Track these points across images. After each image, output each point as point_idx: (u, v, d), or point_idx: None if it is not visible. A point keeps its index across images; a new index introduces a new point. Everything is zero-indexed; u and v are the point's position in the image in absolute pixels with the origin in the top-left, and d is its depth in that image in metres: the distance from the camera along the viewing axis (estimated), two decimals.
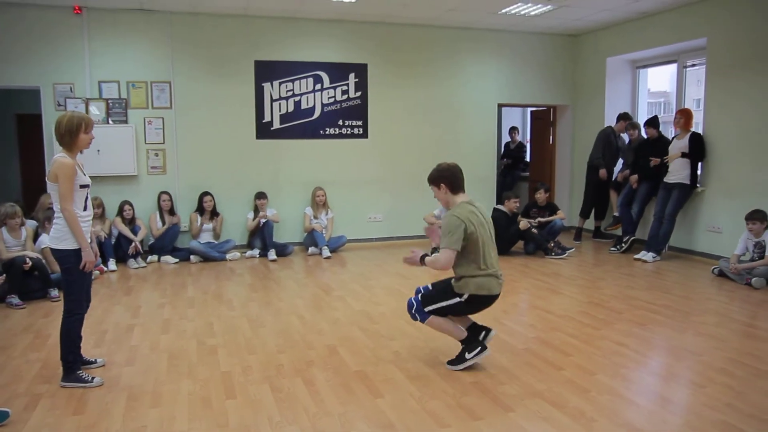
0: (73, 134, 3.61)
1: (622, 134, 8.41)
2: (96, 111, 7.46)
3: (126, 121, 7.63)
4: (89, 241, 3.67)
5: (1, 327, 4.91)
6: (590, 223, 8.92)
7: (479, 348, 3.81)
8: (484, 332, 3.88)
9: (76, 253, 3.61)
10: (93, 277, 6.24)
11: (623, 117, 8.25)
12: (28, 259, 5.63)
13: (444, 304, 3.75)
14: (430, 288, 3.94)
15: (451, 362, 3.87)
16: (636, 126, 8.09)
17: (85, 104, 7.46)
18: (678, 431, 2.98)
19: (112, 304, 5.55)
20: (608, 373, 3.76)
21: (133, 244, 7.20)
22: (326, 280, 6.59)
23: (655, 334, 4.54)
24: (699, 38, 7.23)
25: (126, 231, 7.26)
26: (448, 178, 3.78)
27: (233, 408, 3.32)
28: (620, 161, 8.50)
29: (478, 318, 4.00)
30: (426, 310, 3.77)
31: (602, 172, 8.35)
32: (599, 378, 3.67)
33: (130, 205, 7.39)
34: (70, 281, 3.69)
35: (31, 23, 7.24)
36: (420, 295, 3.86)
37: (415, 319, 3.83)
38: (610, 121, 8.69)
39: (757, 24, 6.50)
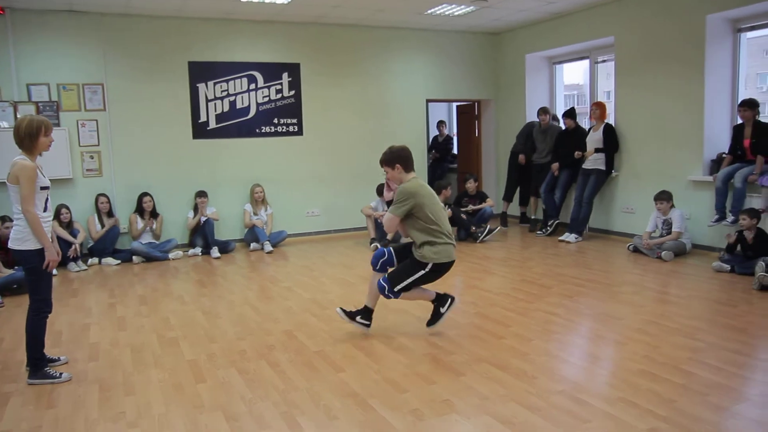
0: (33, 137, 3.69)
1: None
2: (5, 124, 7.30)
3: (58, 124, 7.54)
4: (51, 240, 3.77)
5: None
6: (516, 209, 9.51)
7: (450, 300, 4.32)
8: (450, 300, 4.37)
9: (39, 253, 3.70)
10: None
11: (542, 111, 8.86)
12: None
13: (411, 279, 4.16)
14: (394, 256, 4.33)
15: (430, 322, 4.32)
16: (547, 111, 8.68)
17: (14, 108, 7.33)
18: (606, 381, 3.45)
19: (61, 306, 5.55)
20: (543, 338, 4.21)
21: (74, 246, 7.15)
22: (272, 273, 6.80)
23: (582, 304, 5.06)
24: (608, 36, 7.89)
25: (65, 234, 7.18)
26: (403, 158, 4.23)
27: (205, 390, 3.54)
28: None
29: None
30: (396, 289, 4.14)
31: (521, 157, 9.02)
32: (536, 343, 4.11)
33: (67, 208, 7.32)
34: (35, 280, 3.77)
35: None
36: (386, 276, 4.21)
37: (389, 298, 4.19)
38: (530, 113, 9.31)
39: (659, 23, 7.19)
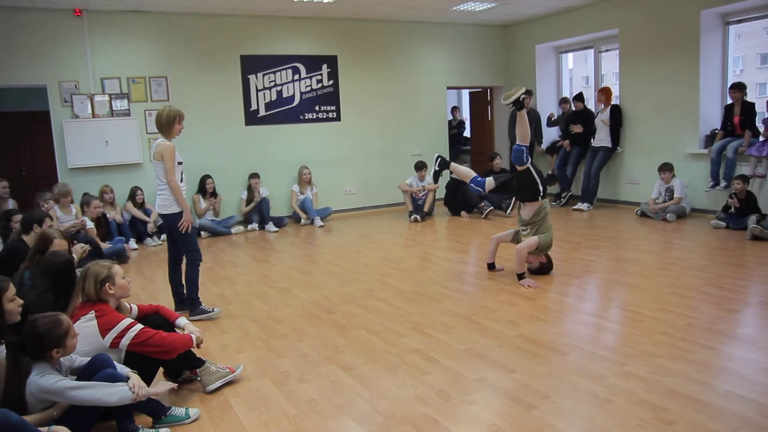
0: (171, 124, 4.63)
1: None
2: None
3: (129, 114, 8.44)
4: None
5: None
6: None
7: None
8: None
9: (182, 215, 4.67)
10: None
11: (563, 101, 10.08)
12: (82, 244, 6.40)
13: None
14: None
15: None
16: (567, 101, 9.81)
17: (90, 99, 8.21)
18: (645, 299, 4.56)
19: (163, 272, 6.44)
20: (587, 276, 5.34)
21: (149, 224, 8.08)
22: (334, 240, 7.82)
23: (608, 252, 6.20)
24: (612, 29, 8.99)
25: (139, 214, 8.11)
26: None
27: (339, 318, 4.56)
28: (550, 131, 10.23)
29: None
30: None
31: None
32: (584, 278, 5.24)
33: (141, 190, 8.23)
34: (183, 237, 4.74)
35: (35, 26, 7.88)
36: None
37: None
38: (540, 97, 10.41)
39: (660, 14, 8.26)
